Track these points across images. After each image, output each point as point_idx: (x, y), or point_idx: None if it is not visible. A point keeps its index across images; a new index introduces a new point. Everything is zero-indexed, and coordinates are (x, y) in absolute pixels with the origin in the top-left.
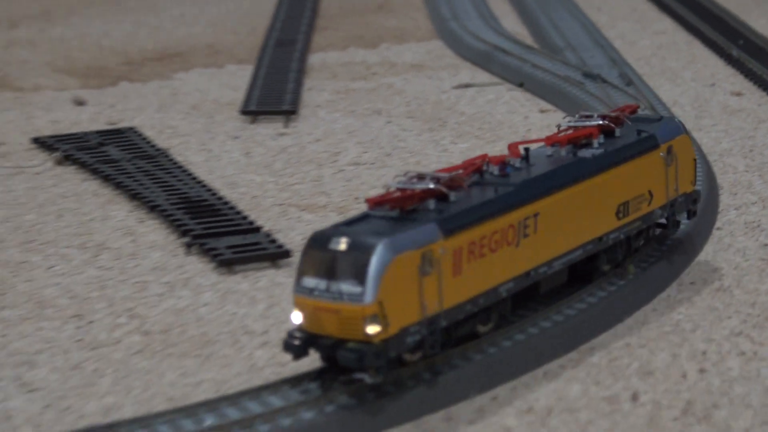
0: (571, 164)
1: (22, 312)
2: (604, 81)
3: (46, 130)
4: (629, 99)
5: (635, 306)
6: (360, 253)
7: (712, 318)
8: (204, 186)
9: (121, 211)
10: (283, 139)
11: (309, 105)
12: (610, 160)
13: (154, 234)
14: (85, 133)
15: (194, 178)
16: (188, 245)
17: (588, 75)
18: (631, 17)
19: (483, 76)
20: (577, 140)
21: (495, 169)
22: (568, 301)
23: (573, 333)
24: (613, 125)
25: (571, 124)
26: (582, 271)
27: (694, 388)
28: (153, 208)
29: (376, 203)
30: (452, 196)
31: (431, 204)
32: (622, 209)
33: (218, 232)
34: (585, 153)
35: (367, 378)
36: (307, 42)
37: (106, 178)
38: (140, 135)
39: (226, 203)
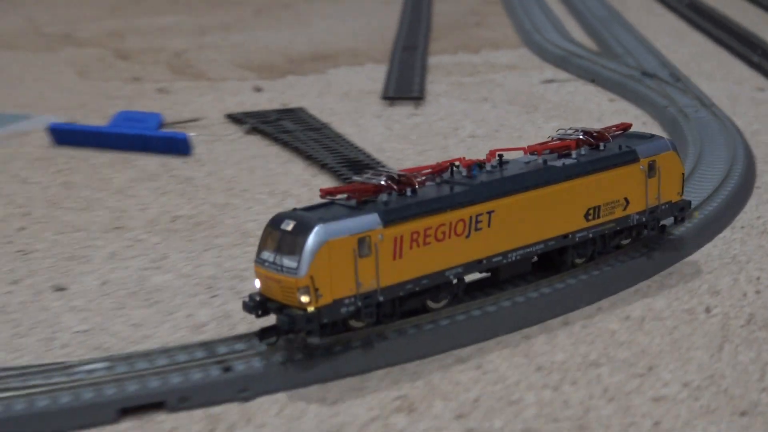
0: (538, 171)
1: (231, 240)
2: (658, 78)
3: (235, 109)
4: (679, 93)
5: (700, 244)
6: (300, 234)
7: (761, 253)
8: (359, 150)
9: (297, 168)
10: (415, 118)
11: (432, 93)
12: (581, 170)
13: (325, 184)
14: (265, 111)
15: (351, 144)
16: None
17: (645, 73)
18: (670, 33)
19: (562, 74)
20: (559, 150)
21: (464, 171)
22: (651, 242)
23: (656, 263)
24: (591, 140)
25: (559, 136)
26: (553, 262)
27: (754, 304)
28: (323, 166)
29: (327, 193)
30: (408, 191)
31: (384, 197)
32: (592, 212)
33: None
34: (556, 162)
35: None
36: (426, 48)
37: (285, 144)
38: (307, 113)
39: (378, 162)
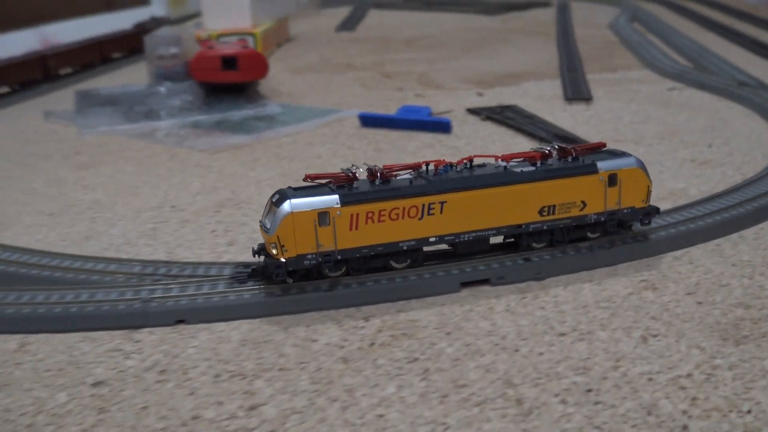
0: (494, 174)
1: None
2: (749, 85)
3: (469, 106)
4: None
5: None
6: (277, 205)
7: None
8: (561, 129)
9: (522, 140)
10: (589, 112)
11: (595, 97)
12: (536, 176)
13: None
14: (491, 107)
15: (555, 126)
16: None
17: (742, 83)
18: (746, 60)
19: (679, 84)
20: (533, 159)
21: (435, 169)
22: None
23: (727, 224)
24: (548, 154)
25: (534, 149)
26: (513, 244)
27: None
28: (541, 139)
29: (309, 177)
30: (377, 181)
31: (354, 183)
32: (547, 209)
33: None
34: (517, 168)
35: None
36: (582, 69)
37: (510, 126)
38: (518, 108)
39: (574, 140)
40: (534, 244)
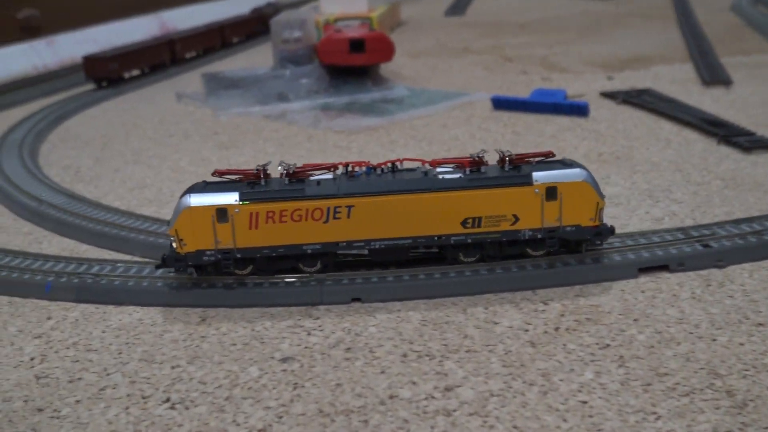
0: (415, 180)
1: (645, 168)
2: None
3: (600, 90)
4: None
5: None
6: (179, 200)
7: None
8: (708, 113)
9: (667, 125)
10: (730, 96)
11: (736, 81)
12: (460, 184)
13: (694, 136)
14: (626, 91)
15: (699, 110)
16: (719, 141)
17: None
18: None
19: None
20: (468, 166)
21: (361, 170)
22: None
23: None
24: (479, 162)
25: (475, 155)
26: (440, 256)
27: None
28: (686, 123)
29: (218, 172)
30: (286, 180)
31: (264, 181)
32: (471, 221)
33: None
34: (444, 175)
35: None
36: (713, 52)
37: (650, 110)
38: (655, 92)
39: (722, 125)
40: (462, 258)
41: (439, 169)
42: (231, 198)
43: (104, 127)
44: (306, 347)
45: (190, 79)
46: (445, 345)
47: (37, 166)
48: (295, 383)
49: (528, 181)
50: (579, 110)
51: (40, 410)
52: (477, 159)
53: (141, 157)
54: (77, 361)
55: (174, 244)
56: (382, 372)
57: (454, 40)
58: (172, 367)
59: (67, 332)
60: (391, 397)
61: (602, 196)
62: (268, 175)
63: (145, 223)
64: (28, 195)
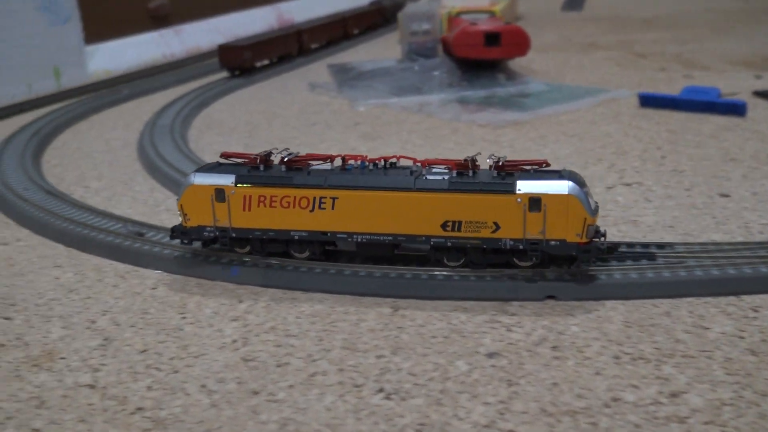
0: (398, 179)
1: None
2: None
3: (750, 89)
4: None
5: None
6: (186, 178)
7: None
8: None
9: None
10: None
11: None
12: (440, 186)
13: None
14: None
15: None
16: None
17: None
18: None
19: None
20: (458, 168)
21: (355, 163)
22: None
23: None
24: (466, 165)
25: (467, 158)
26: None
27: None
28: None
29: (224, 155)
30: (282, 168)
31: (263, 166)
32: (451, 225)
33: None
34: (429, 176)
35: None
36: None
37: None
38: None
39: None
40: (446, 261)
41: (434, 169)
42: (228, 180)
43: (245, 114)
44: (509, 343)
45: (317, 70)
46: (658, 349)
47: (191, 151)
48: (509, 380)
49: (511, 190)
50: (735, 109)
51: (255, 393)
52: (466, 162)
53: (290, 145)
54: (280, 345)
55: (180, 218)
56: (597, 373)
57: (579, 35)
58: (377, 357)
59: (261, 316)
60: (614, 399)
61: (593, 213)
62: (271, 161)
63: None
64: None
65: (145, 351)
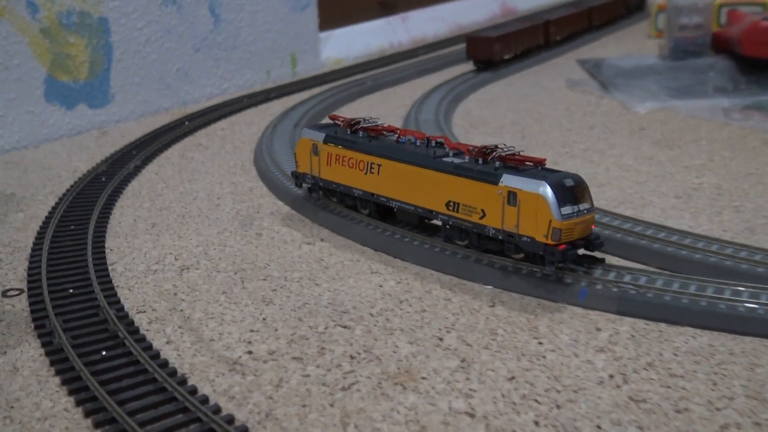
0: (421, 155)
1: None
2: None
3: None
4: None
5: None
6: (302, 130)
7: None
8: None
9: None
10: None
11: None
12: (445, 167)
13: None
14: None
15: None
16: None
17: None
18: None
19: None
20: (469, 155)
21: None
22: None
23: None
24: (481, 152)
25: (481, 146)
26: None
27: None
28: None
29: (331, 117)
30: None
31: (348, 131)
32: (452, 205)
33: None
34: (445, 157)
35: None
36: None
37: None
38: None
39: None
40: (456, 240)
41: (454, 151)
42: (320, 138)
43: (508, 112)
44: None
45: (565, 65)
46: None
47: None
48: None
49: (494, 180)
50: None
51: None
52: (481, 149)
53: (573, 150)
54: (668, 387)
55: (295, 165)
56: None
57: None
58: None
59: (631, 349)
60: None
61: (562, 218)
62: (359, 126)
63: (628, 224)
64: None
65: (512, 378)
